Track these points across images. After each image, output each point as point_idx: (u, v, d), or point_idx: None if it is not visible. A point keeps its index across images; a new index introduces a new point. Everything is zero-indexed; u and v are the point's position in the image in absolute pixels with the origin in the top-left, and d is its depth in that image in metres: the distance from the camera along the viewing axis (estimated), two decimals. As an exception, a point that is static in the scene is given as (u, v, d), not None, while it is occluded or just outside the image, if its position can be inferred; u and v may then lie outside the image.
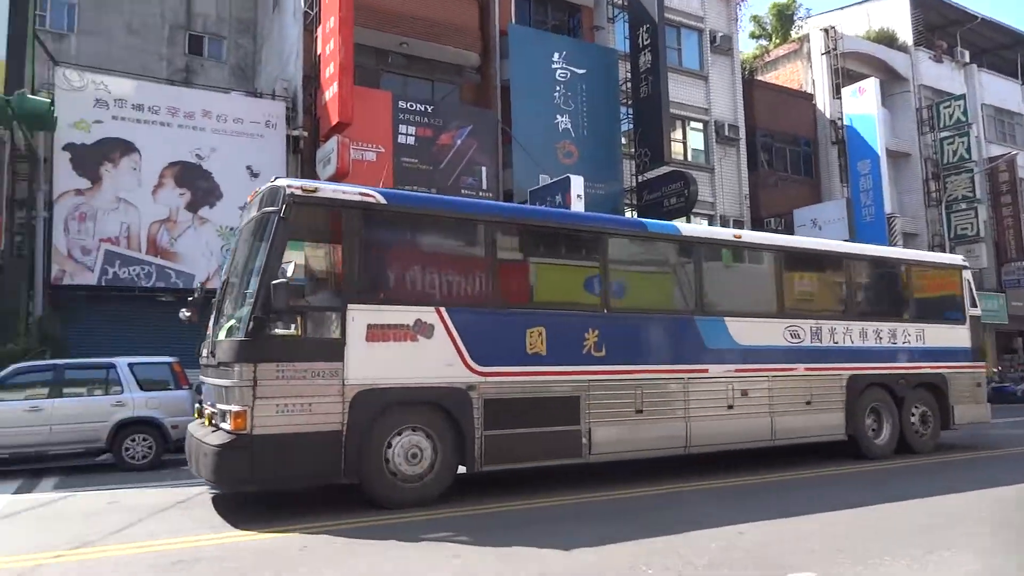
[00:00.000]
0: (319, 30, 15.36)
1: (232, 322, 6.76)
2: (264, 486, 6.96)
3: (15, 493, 8.20)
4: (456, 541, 5.48)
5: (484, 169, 17.13)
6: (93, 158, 13.79)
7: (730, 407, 8.83)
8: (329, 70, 14.61)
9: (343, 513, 6.38)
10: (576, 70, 18.51)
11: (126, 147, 14.08)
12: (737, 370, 8.95)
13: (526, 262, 8.45)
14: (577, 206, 14.97)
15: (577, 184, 15.47)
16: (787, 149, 24.45)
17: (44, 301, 13.29)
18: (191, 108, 14.85)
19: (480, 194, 16.60)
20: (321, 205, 6.99)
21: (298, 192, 6.74)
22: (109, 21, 17.32)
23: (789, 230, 22.00)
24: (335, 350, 6.61)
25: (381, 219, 7.34)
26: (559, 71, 18.27)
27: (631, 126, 19.59)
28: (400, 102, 16.34)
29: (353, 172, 14.00)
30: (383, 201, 7.22)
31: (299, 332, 6.65)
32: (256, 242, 6.94)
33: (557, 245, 8.74)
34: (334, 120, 14.24)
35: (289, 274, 6.44)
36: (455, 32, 17.26)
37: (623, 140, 19.60)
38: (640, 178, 19.47)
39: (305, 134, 15.62)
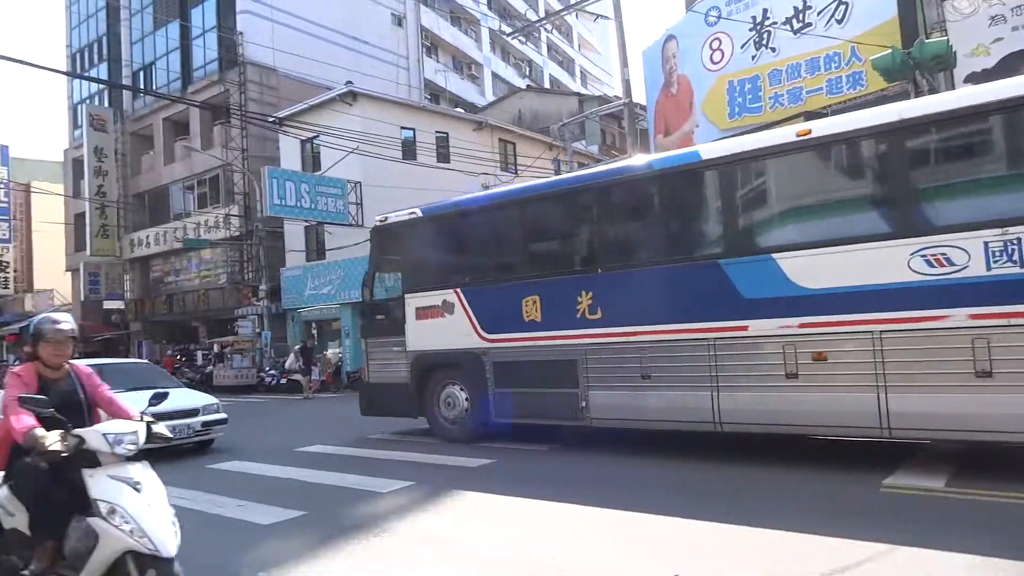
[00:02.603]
0: None
1: None
2: (376, 415, 10.45)
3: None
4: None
5: None
6: (999, 79, 12.96)
7: (791, 376, 6.50)
8: None
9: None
10: None
11: (1032, 56, 12.63)
12: (803, 325, 6.46)
13: (524, 236, 9.18)
14: None
15: None
16: None
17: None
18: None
19: None
20: (389, 228, 10.25)
21: (377, 222, 10.48)
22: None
23: None
24: (401, 328, 9.76)
25: (420, 227, 9.98)
26: None
27: None
28: None
29: None
30: (420, 214, 9.92)
31: (385, 317, 10.13)
32: None
33: (548, 214, 9.01)
34: None
35: (368, 277, 10.46)
36: None
37: None
38: None
39: None
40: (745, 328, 6.86)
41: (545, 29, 42.06)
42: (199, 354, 29.12)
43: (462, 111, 32.19)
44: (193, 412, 9.71)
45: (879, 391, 6.12)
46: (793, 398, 6.58)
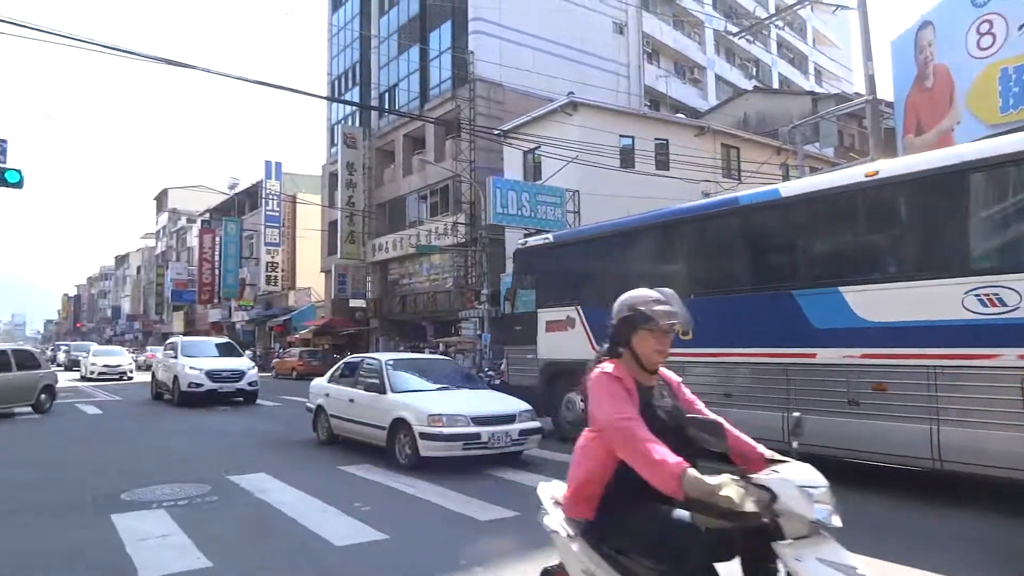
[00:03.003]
0: None
1: None
2: None
3: None
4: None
5: None
6: None
7: (853, 403, 6.91)
8: None
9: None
10: None
11: None
12: (864, 356, 6.88)
13: (628, 261, 10.20)
14: None
15: None
16: None
17: None
18: None
19: None
20: (528, 250, 12.33)
21: (519, 246, 12.75)
22: None
23: None
24: (534, 338, 11.61)
25: (552, 251, 11.79)
26: None
27: None
28: None
29: None
30: (551, 240, 12.02)
31: (522, 328, 11.93)
32: None
33: (646, 243, 10.10)
34: None
35: (510, 292, 12.47)
36: None
37: None
38: None
39: None
40: (814, 356, 7.35)
41: (776, 26, 39.67)
42: (427, 351, 31.49)
43: (683, 116, 31.39)
44: (510, 419, 8.75)
45: (932, 423, 6.31)
46: (854, 425, 6.90)
